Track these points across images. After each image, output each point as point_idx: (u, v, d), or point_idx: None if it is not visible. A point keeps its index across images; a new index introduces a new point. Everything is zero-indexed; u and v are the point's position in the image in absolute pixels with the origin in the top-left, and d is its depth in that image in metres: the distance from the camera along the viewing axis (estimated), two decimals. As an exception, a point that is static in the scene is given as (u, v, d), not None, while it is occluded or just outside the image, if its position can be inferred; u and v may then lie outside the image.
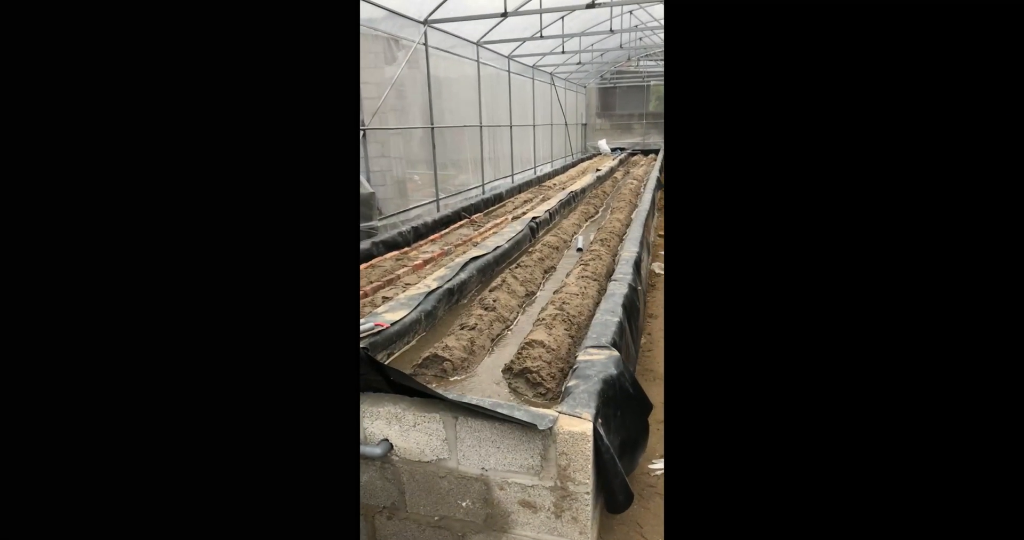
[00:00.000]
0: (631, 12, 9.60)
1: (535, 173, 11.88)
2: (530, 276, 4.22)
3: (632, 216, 6.43)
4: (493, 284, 3.91)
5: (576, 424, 1.87)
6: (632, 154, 17.33)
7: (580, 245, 5.71)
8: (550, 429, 1.84)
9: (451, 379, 2.71)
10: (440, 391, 2.53)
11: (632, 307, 3.40)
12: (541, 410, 1.93)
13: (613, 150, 17.81)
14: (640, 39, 13.38)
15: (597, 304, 3.71)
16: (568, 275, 4.22)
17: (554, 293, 3.76)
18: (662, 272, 5.60)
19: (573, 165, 14.26)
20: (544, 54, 10.71)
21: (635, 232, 5.09)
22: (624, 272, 3.77)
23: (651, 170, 11.56)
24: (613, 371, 2.28)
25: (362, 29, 5.62)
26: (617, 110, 19.51)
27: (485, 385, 2.65)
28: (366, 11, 5.66)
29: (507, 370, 2.68)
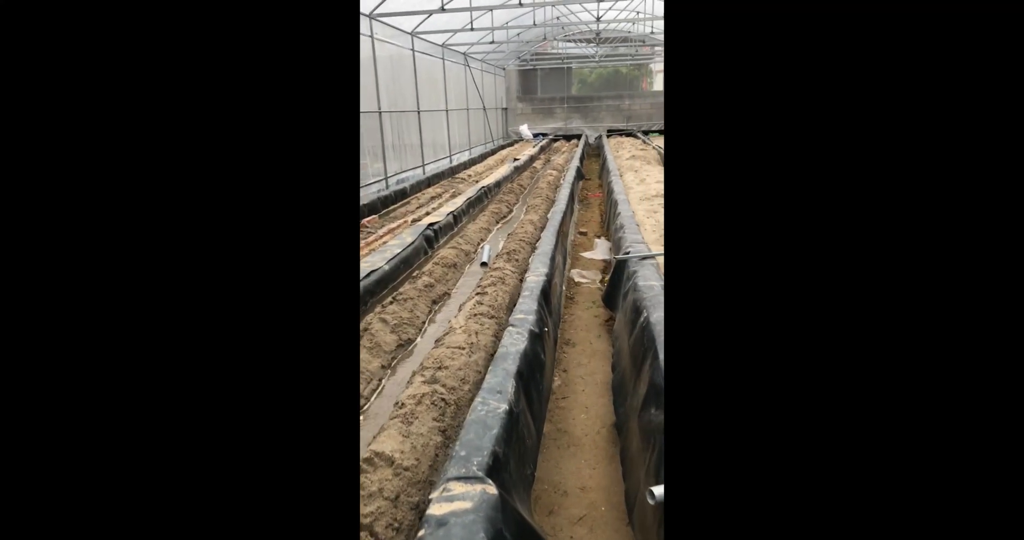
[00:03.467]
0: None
1: (451, 162, 10.84)
2: (409, 315, 3.24)
3: (548, 215, 5.58)
4: (354, 333, 2.91)
5: None
6: (554, 140, 16.61)
7: (485, 257, 4.78)
8: None
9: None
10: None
11: (533, 367, 2.52)
12: None
13: (535, 135, 17.02)
14: (557, 18, 12.49)
15: (492, 357, 2.81)
16: (460, 311, 3.29)
17: (435, 344, 2.82)
18: (584, 280, 4.77)
19: (492, 153, 13.27)
20: (454, 31, 9.62)
21: (546, 244, 4.20)
22: (526, 310, 2.88)
23: (572, 158, 10.81)
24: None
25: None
26: (539, 94, 18.83)
27: (293, 541, 1.68)
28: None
29: (331, 511, 1.72)
